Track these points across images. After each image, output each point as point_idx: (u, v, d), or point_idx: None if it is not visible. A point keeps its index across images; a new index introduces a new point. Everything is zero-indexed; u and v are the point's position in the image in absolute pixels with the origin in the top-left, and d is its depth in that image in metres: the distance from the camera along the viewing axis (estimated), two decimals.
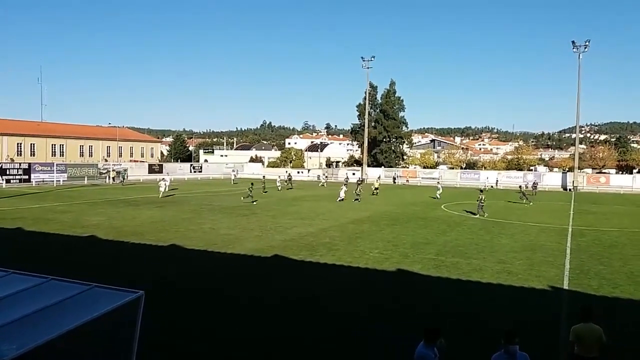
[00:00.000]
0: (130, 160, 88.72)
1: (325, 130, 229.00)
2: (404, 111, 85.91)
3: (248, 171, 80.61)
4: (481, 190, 32.17)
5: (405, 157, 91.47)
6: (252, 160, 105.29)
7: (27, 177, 53.91)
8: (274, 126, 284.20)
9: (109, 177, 60.24)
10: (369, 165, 76.66)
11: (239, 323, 10.17)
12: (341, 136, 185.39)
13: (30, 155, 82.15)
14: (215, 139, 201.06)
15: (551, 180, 63.71)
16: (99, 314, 5.17)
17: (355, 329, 9.90)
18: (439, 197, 40.43)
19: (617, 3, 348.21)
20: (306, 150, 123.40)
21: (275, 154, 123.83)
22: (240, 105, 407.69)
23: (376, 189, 45.01)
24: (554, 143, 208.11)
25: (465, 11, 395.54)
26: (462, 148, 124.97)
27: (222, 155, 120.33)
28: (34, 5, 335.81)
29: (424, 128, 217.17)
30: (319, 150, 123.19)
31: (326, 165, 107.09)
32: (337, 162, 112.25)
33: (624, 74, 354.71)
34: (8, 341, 4.36)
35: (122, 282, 7.26)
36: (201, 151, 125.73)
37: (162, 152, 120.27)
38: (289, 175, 54.95)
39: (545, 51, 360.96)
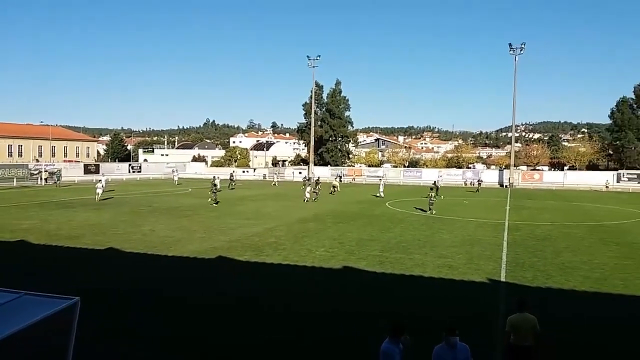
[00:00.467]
0: (65, 161, 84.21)
1: (272, 129, 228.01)
2: (349, 110, 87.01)
3: (190, 171, 78.73)
4: (431, 189, 32.90)
5: (351, 155, 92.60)
6: (194, 159, 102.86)
7: None
8: (218, 125, 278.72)
9: (41, 178, 56.87)
10: (315, 164, 76.97)
11: (181, 326, 9.82)
12: (287, 135, 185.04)
13: None
14: (155, 138, 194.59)
15: (489, 177, 66.65)
16: (30, 322, 4.87)
17: (305, 328, 9.82)
18: (381, 195, 40.67)
19: (551, 7, 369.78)
20: (252, 149, 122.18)
21: (219, 153, 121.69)
22: (183, 103, 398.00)
23: (334, 187, 44.98)
24: (492, 142, 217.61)
25: (408, 13, 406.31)
26: (405, 147, 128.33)
27: (162, 155, 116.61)
28: None
29: (368, 127, 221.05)
30: (265, 149, 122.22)
31: (272, 164, 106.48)
32: (284, 161, 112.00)
33: (556, 75, 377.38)
34: None
35: (56, 289, 6.88)
36: (140, 150, 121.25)
37: (98, 152, 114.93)
38: (231, 174, 53.86)
39: (483, 53, 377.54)
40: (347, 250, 17.65)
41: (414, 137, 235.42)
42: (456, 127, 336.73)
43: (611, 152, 78.37)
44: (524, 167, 78.30)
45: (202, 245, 18.24)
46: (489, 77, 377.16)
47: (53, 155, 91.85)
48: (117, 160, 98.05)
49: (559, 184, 62.13)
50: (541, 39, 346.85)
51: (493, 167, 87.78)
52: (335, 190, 44.25)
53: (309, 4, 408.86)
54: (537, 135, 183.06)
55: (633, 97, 75.94)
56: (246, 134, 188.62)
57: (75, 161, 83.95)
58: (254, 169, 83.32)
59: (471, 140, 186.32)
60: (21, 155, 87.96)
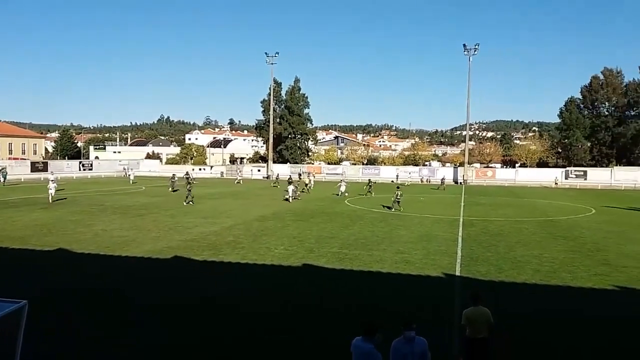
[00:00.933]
0: (10, 158, 79.92)
1: (229, 125, 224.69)
2: (308, 108, 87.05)
3: (144, 169, 76.52)
4: (398, 187, 33.19)
5: (310, 153, 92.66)
6: (148, 157, 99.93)
7: None
8: (173, 121, 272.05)
9: None
10: (274, 162, 76.53)
11: (136, 329, 9.47)
12: (245, 132, 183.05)
13: None
14: (107, 134, 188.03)
15: (444, 174, 68.20)
16: None
17: (266, 327, 9.67)
18: (344, 193, 39.79)
19: (504, 8, 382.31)
20: (208, 147, 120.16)
21: (174, 150, 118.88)
22: (135, 99, 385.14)
23: (306, 185, 44.27)
24: (447, 140, 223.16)
25: (365, 13, 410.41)
26: (364, 145, 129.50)
27: (115, 152, 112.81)
28: None
29: (327, 125, 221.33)
30: (222, 146, 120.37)
31: (230, 161, 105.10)
32: (242, 158, 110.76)
33: (508, 76, 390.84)
34: None
35: (2, 292, 6.44)
36: (91, 147, 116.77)
37: (46, 149, 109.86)
38: (187, 173, 52.60)
39: (439, 53, 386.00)
40: (307, 248, 17.60)
41: (372, 135, 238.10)
42: (413, 125, 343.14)
43: (560, 150, 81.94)
44: (478, 165, 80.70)
45: (157, 245, 17.71)
46: (444, 76, 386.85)
47: None
48: (66, 157, 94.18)
49: (510, 180, 64.42)
50: (494, 39, 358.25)
51: (448, 164, 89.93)
52: (308, 189, 43.52)
53: (267, 1, 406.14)
54: (490, 134, 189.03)
55: (580, 97, 79.75)
56: (202, 131, 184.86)
57: (22, 159, 79.85)
58: (211, 167, 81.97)
59: (427, 139, 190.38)
60: None
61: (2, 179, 50.17)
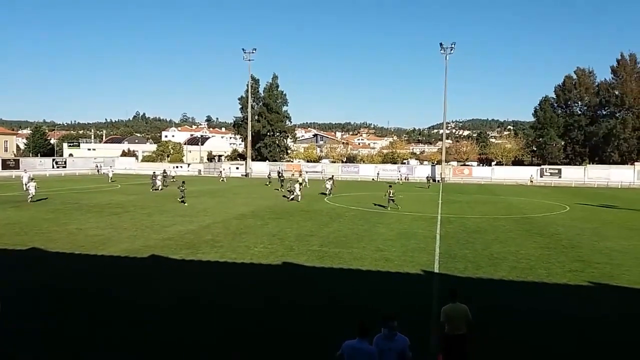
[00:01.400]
0: None
1: (206, 122, 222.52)
2: (287, 105, 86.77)
3: (120, 166, 75.19)
4: (390, 185, 33.05)
5: (289, 151, 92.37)
6: (124, 154, 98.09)
7: None
8: (149, 118, 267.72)
9: None
10: (253, 159, 76.07)
11: (113, 327, 9.26)
12: (223, 129, 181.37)
13: None
14: (81, 131, 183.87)
15: (422, 172, 68.97)
16: None
17: (245, 326, 9.57)
18: (329, 193, 38.28)
19: (481, 7, 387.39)
20: (185, 144, 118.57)
21: (150, 147, 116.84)
22: (110, 95, 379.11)
23: (300, 183, 43.40)
24: (424, 138, 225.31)
25: (344, 11, 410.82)
26: (343, 143, 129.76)
27: (89, 149, 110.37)
28: None
29: (306, 123, 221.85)
30: (199, 143, 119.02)
31: (208, 159, 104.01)
32: (220, 155, 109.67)
33: (484, 75, 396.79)
34: None
35: None
36: (65, 144, 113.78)
37: (18, 146, 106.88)
38: (164, 171, 51.74)
39: (416, 52, 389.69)
40: (287, 246, 17.53)
41: (351, 133, 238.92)
42: (391, 123, 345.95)
43: (535, 149, 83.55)
44: (455, 163, 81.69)
45: (133, 244, 17.39)
46: (421, 75, 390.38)
47: None
48: (39, 155, 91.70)
49: (487, 178, 65.45)
50: (470, 39, 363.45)
51: (426, 162, 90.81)
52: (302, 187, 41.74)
53: None
54: (466, 132, 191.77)
55: (554, 96, 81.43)
56: (179, 128, 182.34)
57: None
58: (189, 164, 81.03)
59: (405, 137, 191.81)
60: None
61: None
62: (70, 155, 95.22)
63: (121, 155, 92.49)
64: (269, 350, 8.60)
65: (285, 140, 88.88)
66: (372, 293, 12.02)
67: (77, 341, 8.73)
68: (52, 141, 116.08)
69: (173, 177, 50.72)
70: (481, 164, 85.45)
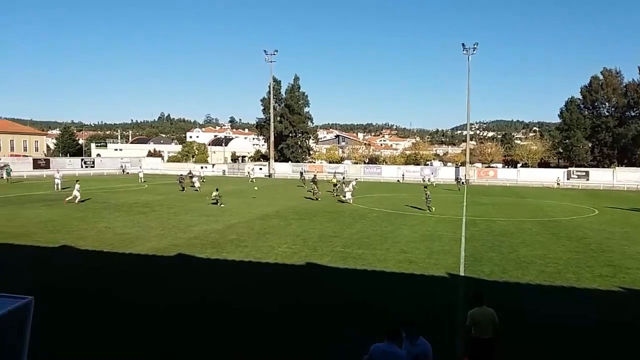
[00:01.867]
0: (11, 155, 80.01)
1: (230, 123, 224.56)
2: (308, 106, 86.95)
3: (146, 166, 76.56)
4: (425, 187, 32.56)
5: (311, 152, 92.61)
6: (150, 154, 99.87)
7: None
8: (173, 119, 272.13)
9: None
10: (276, 160, 76.54)
11: (141, 327, 9.48)
12: (246, 130, 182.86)
13: None
14: (108, 132, 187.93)
15: (445, 174, 68.29)
16: None
17: (269, 327, 9.68)
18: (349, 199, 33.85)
19: (504, 8, 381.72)
20: (209, 145, 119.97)
21: (175, 148, 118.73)
22: (136, 96, 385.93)
23: (335, 185, 41.75)
24: (448, 139, 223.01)
25: (366, 11, 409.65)
26: (365, 144, 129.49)
27: (116, 150, 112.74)
28: None
29: (328, 124, 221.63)
30: (223, 144, 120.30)
31: (232, 160, 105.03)
32: (243, 156, 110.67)
33: (509, 75, 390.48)
34: None
35: (8, 288, 6.45)
36: (93, 145, 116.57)
37: (48, 146, 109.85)
38: (190, 172, 52.38)
39: (439, 52, 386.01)
40: (310, 246, 17.60)
41: (373, 134, 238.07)
42: (413, 124, 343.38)
43: (561, 151, 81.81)
44: (479, 165, 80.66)
45: (161, 243, 17.73)
46: (445, 76, 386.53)
47: None
48: (68, 154, 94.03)
49: (512, 181, 64.37)
50: (494, 39, 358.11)
51: (449, 164, 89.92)
52: (335, 190, 40.53)
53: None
54: (491, 134, 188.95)
55: (580, 97, 79.62)
56: (203, 129, 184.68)
57: (23, 155, 80.00)
58: (213, 165, 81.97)
59: (428, 138, 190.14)
60: None
61: (7, 176, 50.11)
62: (98, 155, 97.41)
63: (147, 156, 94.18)
64: (288, 351, 8.66)
65: (307, 141, 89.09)
66: (396, 295, 11.98)
67: (105, 341, 8.95)
68: (80, 141, 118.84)
69: (203, 177, 51.21)
70: (506, 166, 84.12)
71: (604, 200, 40.82)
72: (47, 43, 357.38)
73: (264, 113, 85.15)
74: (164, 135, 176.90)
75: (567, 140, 78.53)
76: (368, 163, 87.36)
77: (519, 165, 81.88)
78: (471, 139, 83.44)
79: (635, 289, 12.87)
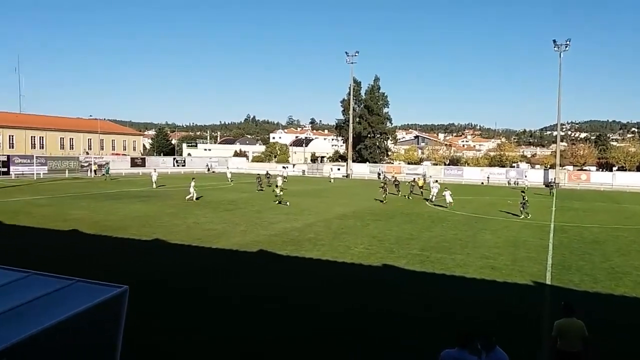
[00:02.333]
0: (112, 154, 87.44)
1: (310, 125, 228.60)
2: (388, 107, 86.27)
3: (232, 166, 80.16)
4: (523, 191, 31.01)
5: (389, 153, 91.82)
6: (236, 154, 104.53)
7: (5, 169, 52.82)
8: (258, 120, 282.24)
9: (91, 170, 59.37)
10: (354, 161, 76.85)
11: (224, 320, 10.08)
12: (326, 131, 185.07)
13: (9, 148, 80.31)
14: (198, 133, 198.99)
15: (533, 177, 64.65)
16: (82, 309, 5.05)
17: (345, 327, 9.87)
18: (450, 203, 31.49)
19: (599, 3, 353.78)
20: (291, 145, 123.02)
21: (259, 148, 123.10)
22: (224, 99, 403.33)
23: (420, 187, 41.13)
24: (536, 140, 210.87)
25: (450, 10, 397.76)
26: (446, 144, 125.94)
27: (205, 149, 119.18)
28: None
29: (407, 124, 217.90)
30: (304, 145, 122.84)
31: (311, 160, 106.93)
32: (322, 157, 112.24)
33: (603, 73, 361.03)
34: None
35: (106, 277, 7.13)
36: (184, 145, 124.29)
37: (144, 146, 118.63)
38: (267, 172, 53.85)
39: (527, 49, 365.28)
40: (387, 248, 17.58)
41: (454, 134, 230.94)
42: (499, 124, 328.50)
43: None
44: (570, 167, 75.45)
45: (244, 239, 18.61)
46: (533, 73, 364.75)
47: (102, 148, 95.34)
48: (162, 154, 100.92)
49: (607, 185, 59.55)
50: (588, 34, 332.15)
51: (537, 166, 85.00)
52: (422, 191, 39.90)
53: (348, 0, 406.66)
54: (583, 135, 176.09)
55: None
56: (285, 130, 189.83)
57: (122, 154, 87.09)
58: (294, 165, 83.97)
59: (514, 139, 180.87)
60: (72, 148, 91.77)
61: (105, 173, 54.97)
62: (189, 154, 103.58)
63: (233, 156, 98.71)
64: (358, 353, 8.73)
65: (385, 141, 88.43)
66: (475, 302, 11.65)
67: (185, 333, 9.61)
68: (173, 141, 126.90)
69: (285, 176, 52.60)
70: (600, 169, 77.92)
71: None
72: (146, 52, 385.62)
73: (343, 114, 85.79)
74: (249, 136, 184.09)
75: None
76: (449, 164, 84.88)
77: (614, 168, 75.54)
78: (562, 140, 78.36)
79: None
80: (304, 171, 77.43)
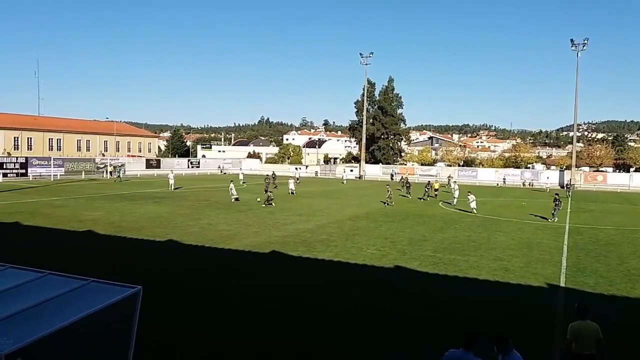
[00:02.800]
0: (128, 155, 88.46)
1: (324, 126, 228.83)
2: (402, 108, 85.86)
3: (245, 167, 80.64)
4: (557, 193, 30.24)
5: (403, 154, 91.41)
6: (249, 156, 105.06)
7: (24, 171, 53.76)
8: (272, 122, 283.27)
9: (107, 171, 60.16)
10: (367, 162, 76.69)
11: (236, 321, 10.15)
12: (339, 133, 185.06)
13: (27, 149, 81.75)
14: (213, 135, 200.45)
15: (549, 178, 63.85)
16: (97, 308, 5.14)
17: (355, 328, 9.88)
18: (474, 209, 29.69)
19: (616, 2, 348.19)
20: (304, 147, 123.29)
21: (273, 150, 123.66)
22: (238, 101, 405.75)
23: (436, 190, 40.70)
24: (552, 141, 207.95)
25: (464, 9, 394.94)
26: (460, 145, 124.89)
27: (220, 151, 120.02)
28: None
29: (421, 125, 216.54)
30: (317, 146, 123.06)
31: (324, 161, 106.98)
32: (335, 158, 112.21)
33: (621, 73, 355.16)
34: (4, 335, 4.33)
35: (120, 277, 7.22)
36: (199, 146, 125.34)
37: (159, 147, 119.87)
38: (273, 173, 53.83)
39: (543, 49, 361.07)
40: (399, 249, 17.53)
41: (469, 135, 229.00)
42: (514, 125, 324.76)
43: None
44: (586, 168, 74.38)
45: (257, 240, 18.71)
46: (549, 73, 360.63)
47: (117, 150, 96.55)
48: (176, 155, 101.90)
49: (624, 186, 58.62)
50: (605, 34, 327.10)
51: (553, 167, 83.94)
52: (436, 194, 39.61)
53: (362, 1, 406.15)
54: (600, 135, 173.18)
55: None
56: (299, 132, 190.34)
57: (138, 156, 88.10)
58: (307, 166, 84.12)
59: (530, 140, 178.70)
60: (89, 150, 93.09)
61: (118, 175, 55.58)
62: (203, 156, 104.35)
63: (247, 157, 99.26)
64: (369, 355, 8.72)
65: (399, 143, 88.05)
66: (488, 304, 11.57)
67: (200, 333, 9.70)
68: (187, 143, 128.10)
69: (298, 178, 52.60)
70: (618, 170, 76.67)
71: None
72: (165, 56, 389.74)
73: (357, 115, 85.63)
74: (263, 138, 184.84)
75: None
76: (463, 165, 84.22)
77: (632, 169, 74.24)
78: (578, 141, 77.27)
79: None
80: (316, 172, 77.56)
